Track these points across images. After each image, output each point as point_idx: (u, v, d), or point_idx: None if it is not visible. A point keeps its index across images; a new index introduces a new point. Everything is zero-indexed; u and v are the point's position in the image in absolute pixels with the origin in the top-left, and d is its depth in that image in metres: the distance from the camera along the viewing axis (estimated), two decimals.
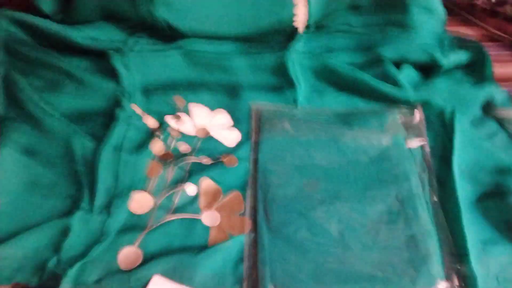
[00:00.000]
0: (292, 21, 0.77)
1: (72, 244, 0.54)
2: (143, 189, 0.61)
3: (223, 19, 0.77)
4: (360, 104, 0.73)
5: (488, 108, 0.74)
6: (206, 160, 0.65)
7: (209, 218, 0.59)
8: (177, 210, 0.59)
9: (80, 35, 0.76)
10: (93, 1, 0.77)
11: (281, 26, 0.77)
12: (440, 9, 0.80)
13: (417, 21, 0.79)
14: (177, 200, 0.60)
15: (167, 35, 0.78)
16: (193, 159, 0.65)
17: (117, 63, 0.72)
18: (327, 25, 0.80)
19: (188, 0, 0.75)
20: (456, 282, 0.53)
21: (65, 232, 0.55)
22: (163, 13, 0.75)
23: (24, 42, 0.77)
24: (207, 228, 0.58)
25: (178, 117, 0.70)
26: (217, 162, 0.65)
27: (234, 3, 0.76)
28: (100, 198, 0.58)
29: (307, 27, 0.79)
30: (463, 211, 0.58)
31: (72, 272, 0.51)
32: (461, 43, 0.82)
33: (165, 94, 0.73)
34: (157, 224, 0.58)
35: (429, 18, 0.80)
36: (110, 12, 0.78)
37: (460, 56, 0.78)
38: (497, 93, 0.75)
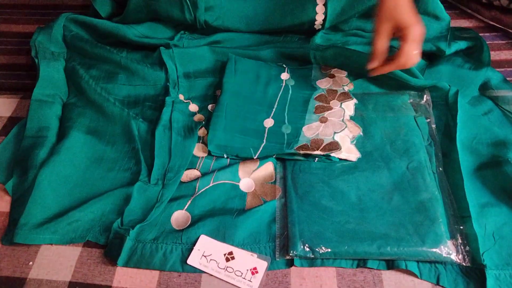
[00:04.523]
0: (313, 24, 0.74)
1: (133, 209, 0.54)
2: (193, 167, 0.60)
3: (254, 19, 0.74)
4: (372, 88, 0.70)
5: (484, 89, 0.70)
6: None
7: (246, 185, 0.58)
8: (218, 178, 0.58)
9: (133, 32, 0.75)
10: (144, 7, 0.75)
11: (302, 27, 0.75)
12: (445, 15, 0.75)
13: (424, 26, 0.74)
14: (219, 169, 0.59)
15: (205, 30, 0.76)
16: None
17: (165, 56, 0.71)
18: (343, 28, 0.76)
19: (224, 7, 0.73)
20: (459, 240, 0.51)
21: (126, 199, 0.54)
22: (205, 17, 0.73)
23: (85, 40, 0.76)
24: (244, 194, 0.57)
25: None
26: None
27: (264, 7, 0.73)
28: (156, 172, 0.58)
29: (325, 28, 0.75)
30: (465, 179, 0.55)
31: (133, 232, 0.51)
32: (460, 33, 0.78)
33: (204, 81, 0.71)
34: (202, 190, 0.57)
35: (435, 24, 0.75)
36: (157, 15, 0.76)
37: (460, 45, 0.74)
38: (493, 75, 0.71)
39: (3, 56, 0.81)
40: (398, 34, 0.56)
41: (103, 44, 0.75)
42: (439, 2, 0.74)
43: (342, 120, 0.62)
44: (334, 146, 0.58)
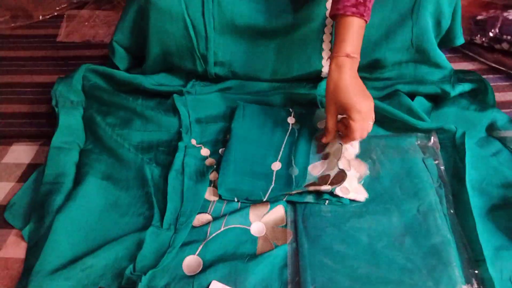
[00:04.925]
0: (320, 73, 0.77)
1: (145, 255, 0.54)
2: (205, 211, 0.60)
3: (262, 71, 0.79)
4: (379, 130, 0.71)
5: (491, 130, 0.71)
6: None
7: (257, 229, 0.58)
8: (229, 222, 0.58)
9: (149, 81, 0.79)
10: (161, 62, 0.79)
11: (309, 76, 0.78)
12: (447, 64, 0.78)
13: (426, 74, 0.77)
14: (230, 213, 0.59)
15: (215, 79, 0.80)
16: None
17: (178, 103, 0.74)
18: None
19: (233, 62, 0.77)
20: (475, 285, 0.49)
21: (139, 245, 0.55)
22: (215, 70, 0.78)
23: (103, 89, 0.79)
24: (255, 239, 0.57)
25: None
26: None
27: (271, 61, 0.77)
28: (169, 217, 0.58)
29: None
30: (477, 221, 0.55)
31: (145, 279, 0.51)
32: (464, 75, 0.80)
33: (215, 126, 0.74)
34: (213, 235, 0.57)
35: (436, 72, 0.77)
36: (171, 66, 0.81)
37: (464, 87, 0.76)
38: (499, 116, 0.72)
39: (24, 105, 0.85)
40: (345, 113, 0.60)
41: (119, 92, 0.79)
42: (441, 53, 0.77)
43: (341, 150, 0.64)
44: (341, 177, 0.59)
